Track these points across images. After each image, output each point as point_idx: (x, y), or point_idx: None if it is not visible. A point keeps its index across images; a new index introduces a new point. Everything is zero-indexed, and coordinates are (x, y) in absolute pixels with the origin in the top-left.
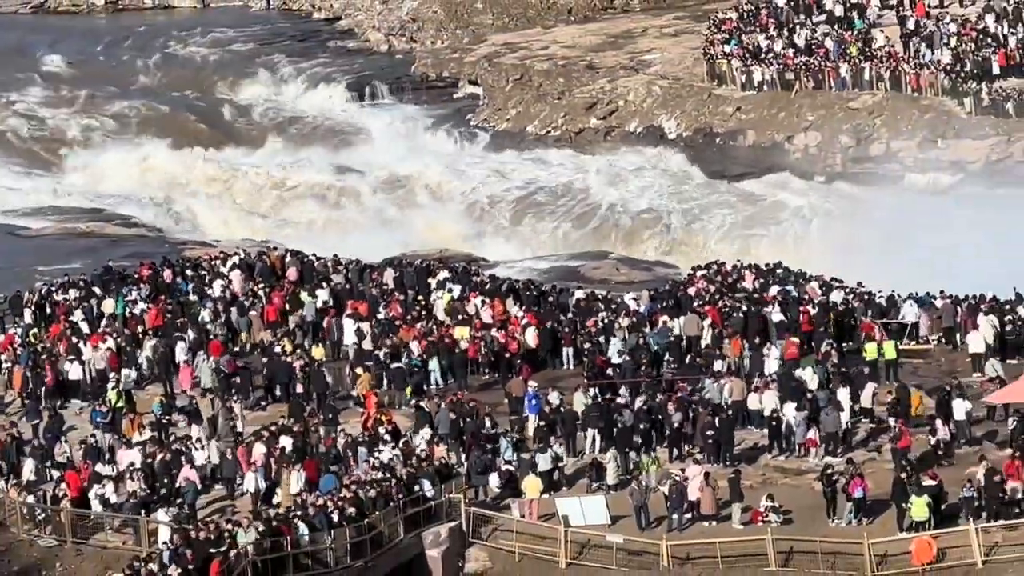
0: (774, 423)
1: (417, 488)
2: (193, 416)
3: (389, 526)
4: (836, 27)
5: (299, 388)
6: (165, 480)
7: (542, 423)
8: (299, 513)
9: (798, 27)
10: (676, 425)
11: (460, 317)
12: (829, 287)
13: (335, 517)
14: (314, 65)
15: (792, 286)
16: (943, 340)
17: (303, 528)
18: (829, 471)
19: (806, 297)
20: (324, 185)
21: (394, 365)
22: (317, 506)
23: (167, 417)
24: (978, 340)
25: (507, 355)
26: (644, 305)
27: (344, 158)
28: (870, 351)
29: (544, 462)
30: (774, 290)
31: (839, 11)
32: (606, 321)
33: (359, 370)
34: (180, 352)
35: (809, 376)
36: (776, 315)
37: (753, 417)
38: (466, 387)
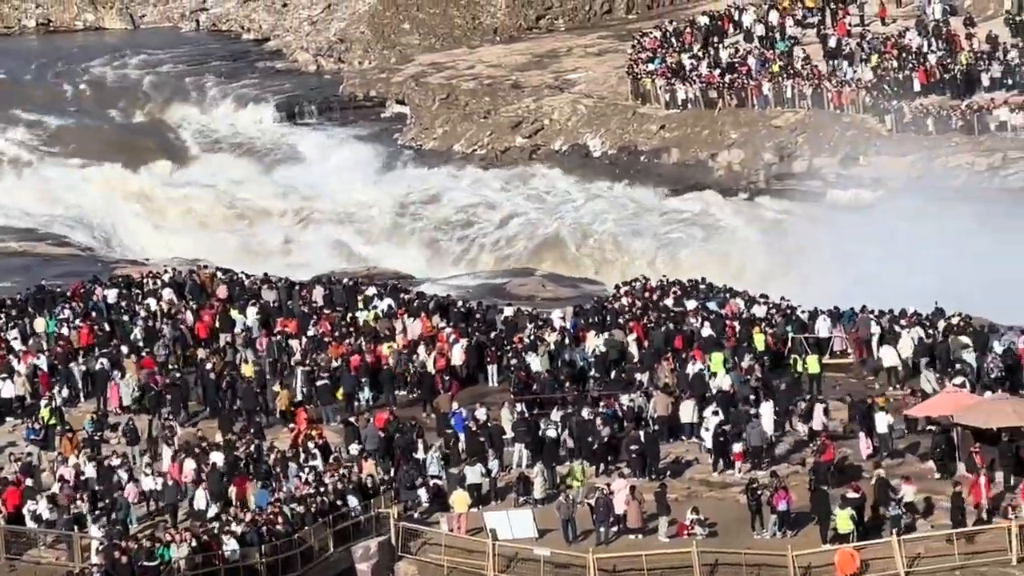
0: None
1: (342, 504)
2: (130, 435)
3: (319, 540)
4: (758, 45)
5: (232, 405)
6: (97, 497)
7: (481, 438)
8: (229, 528)
9: (721, 46)
10: (603, 439)
11: (386, 333)
12: (753, 302)
13: (265, 532)
14: (243, 86)
15: (714, 302)
16: (856, 354)
17: (232, 544)
18: (754, 484)
19: (729, 312)
20: (254, 204)
21: (320, 382)
22: (247, 521)
23: (99, 434)
24: (892, 354)
25: (434, 372)
26: (569, 321)
27: (274, 178)
28: (796, 365)
29: (473, 476)
30: (692, 305)
31: (760, 30)
32: (532, 337)
33: (276, 387)
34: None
35: (725, 382)
36: (705, 330)
37: (684, 429)
38: (393, 403)
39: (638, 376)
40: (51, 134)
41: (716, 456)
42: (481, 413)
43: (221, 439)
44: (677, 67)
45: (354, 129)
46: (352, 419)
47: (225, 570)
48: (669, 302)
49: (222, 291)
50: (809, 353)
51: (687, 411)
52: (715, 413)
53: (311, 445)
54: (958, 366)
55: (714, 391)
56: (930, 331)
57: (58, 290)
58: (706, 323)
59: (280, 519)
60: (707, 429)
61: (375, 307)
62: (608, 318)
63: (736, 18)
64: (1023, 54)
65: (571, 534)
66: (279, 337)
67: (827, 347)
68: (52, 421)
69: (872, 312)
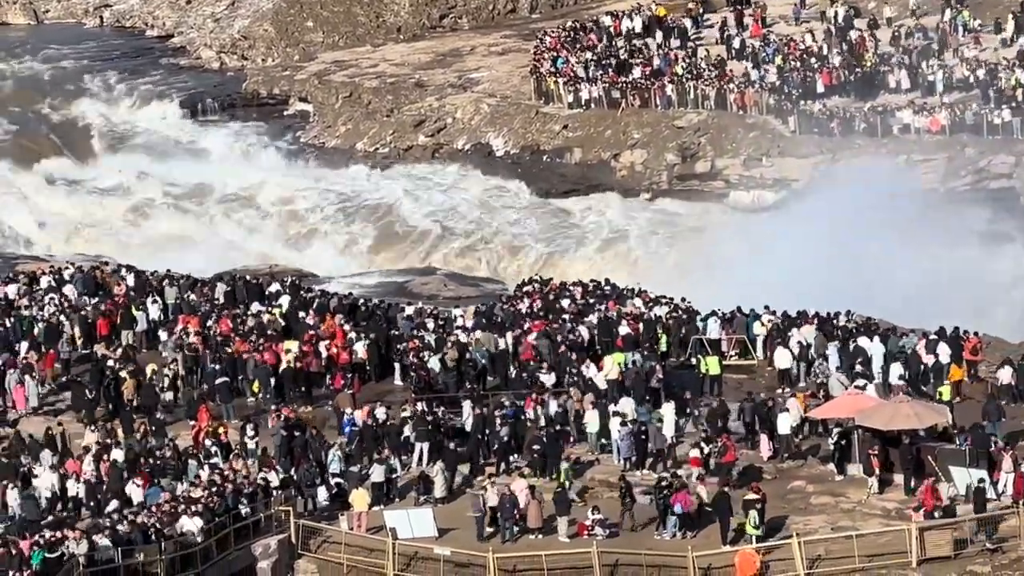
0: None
1: (244, 501)
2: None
3: (217, 540)
4: (662, 46)
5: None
6: None
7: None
8: (107, 527)
9: (624, 46)
10: (503, 439)
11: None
12: (656, 302)
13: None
14: (147, 82)
15: (609, 302)
16: (737, 354)
17: (105, 543)
18: (663, 483)
19: (628, 313)
20: (157, 200)
21: (220, 380)
22: (132, 522)
23: None
24: (785, 356)
25: (337, 369)
26: (470, 321)
27: (177, 174)
28: (711, 364)
29: (378, 474)
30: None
31: (660, 33)
32: (433, 336)
33: (124, 373)
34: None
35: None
36: (623, 328)
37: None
38: (295, 401)
39: (542, 377)
40: None
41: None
42: (381, 412)
43: (122, 436)
44: (581, 66)
45: (257, 126)
46: (251, 416)
47: (127, 567)
48: (566, 303)
49: (124, 287)
50: (709, 353)
51: (592, 419)
52: (623, 424)
53: (209, 443)
54: (859, 368)
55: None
56: (834, 332)
57: None
58: (623, 322)
59: (168, 518)
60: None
61: (279, 304)
62: (504, 318)
63: (639, 19)
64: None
65: (483, 531)
66: (181, 334)
67: (718, 348)
68: None
69: (761, 313)
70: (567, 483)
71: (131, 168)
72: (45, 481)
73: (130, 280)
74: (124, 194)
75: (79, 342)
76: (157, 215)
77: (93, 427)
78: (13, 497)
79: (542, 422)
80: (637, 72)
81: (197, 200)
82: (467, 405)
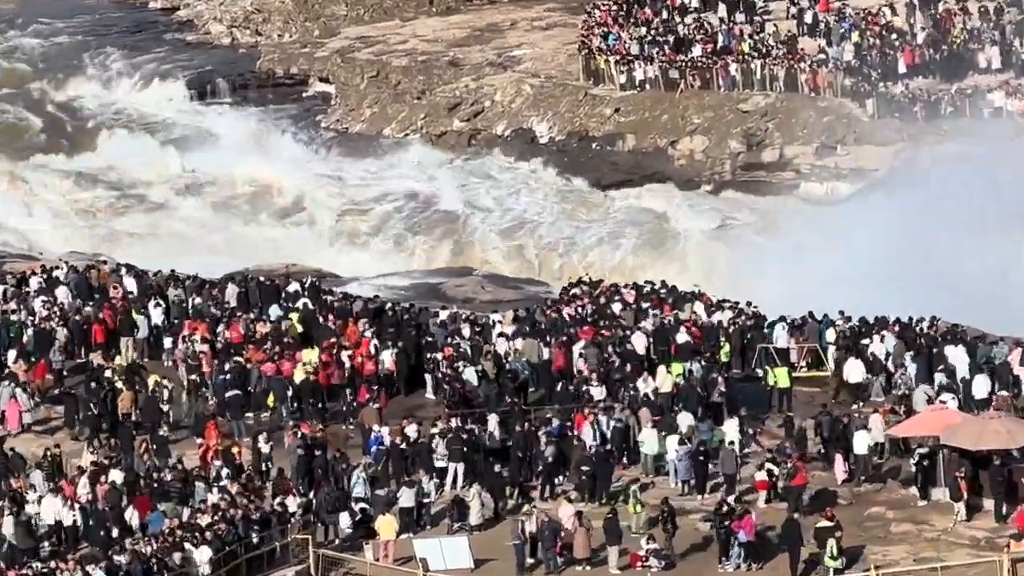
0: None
1: (257, 529)
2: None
3: (227, 572)
4: (725, 21)
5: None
6: None
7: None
8: (101, 560)
9: (683, 21)
10: (547, 459)
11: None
12: (718, 307)
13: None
14: (149, 60)
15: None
16: (808, 365)
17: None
18: (723, 509)
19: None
20: (159, 193)
21: (231, 393)
22: (132, 551)
23: None
24: (857, 367)
25: (361, 381)
26: (510, 327)
27: (181, 163)
28: (780, 376)
29: (407, 498)
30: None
31: (724, 7)
32: (469, 344)
33: (120, 384)
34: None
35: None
36: (681, 336)
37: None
38: (314, 417)
39: (592, 390)
40: None
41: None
42: (412, 429)
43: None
44: (635, 43)
45: (273, 109)
46: (266, 433)
47: None
48: (617, 307)
49: (123, 289)
50: (778, 364)
51: (649, 438)
52: (681, 442)
53: (218, 463)
54: (945, 380)
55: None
56: (916, 340)
57: None
58: (681, 328)
59: (172, 549)
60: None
61: (296, 309)
62: (547, 324)
63: None
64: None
65: (524, 561)
66: (188, 343)
67: (787, 358)
68: None
69: (835, 319)
70: (637, 509)
71: (131, 155)
72: (46, 507)
73: (129, 282)
74: (123, 184)
75: (62, 350)
76: (159, 208)
77: (92, 446)
78: (7, 524)
79: (592, 440)
80: (698, 50)
81: (205, 192)
82: (493, 419)
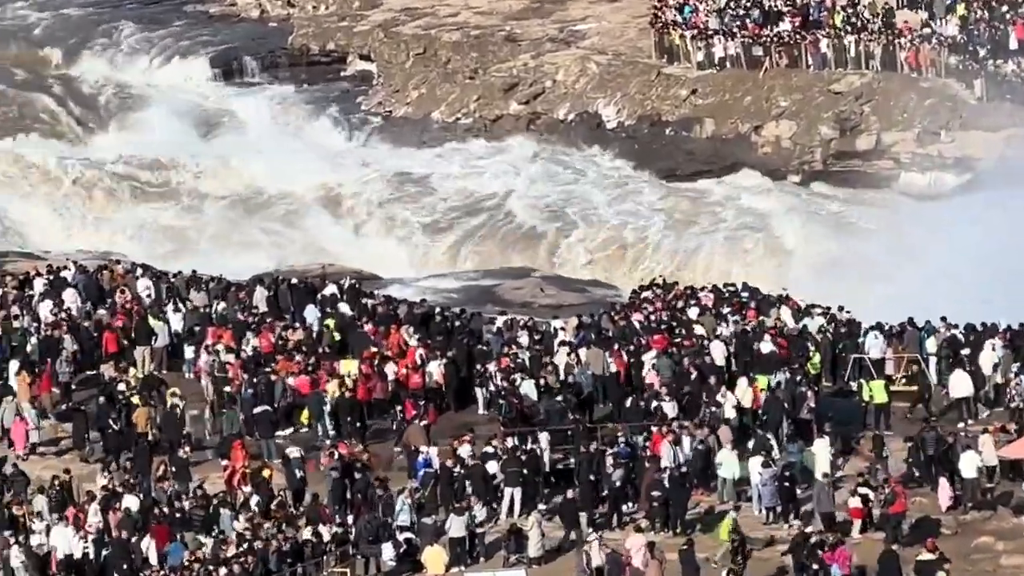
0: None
1: (288, 562)
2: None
3: None
4: None
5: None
6: None
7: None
8: None
9: None
10: (615, 483)
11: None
12: (807, 312)
13: None
14: (168, 35)
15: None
16: (907, 378)
17: None
18: (810, 540)
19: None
20: (179, 184)
21: (260, 409)
22: None
23: None
24: (963, 380)
25: (407, 395)
26: (573, 335)
27: (204, 151)
28: (876, 390)
29: (457, 527)
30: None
31: None
32: (528, 354)
33: (136, 399)
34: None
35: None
36: (766, 345)
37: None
38: (353, 436)
39: (663, 406)
40: None
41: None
42: (465, 450)
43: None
44: (714, 16)
45: (307, 91)
46: (299, 454)
47: None
48: (693, 313)
49: (139, 291)
50: (874, 377)
51: (728, 460)
52: (766, 464)
53: (247, 489)
54: None
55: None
56: None
57: None
58: (766, 336)
59: None
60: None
61: (333, 314)
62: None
63: None
64: None
65: None
66: (211, 353)
67: (881, 369)
68: None
69: (938, 327)
70: (732, 543)
71: (147, 143)
72: (55, 537)
73: (143, 284)
74: (137, 175)
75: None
76: (179, 202)
77: (109, 470)
78: (15, 554)
79: (666, 462)
80: (785, 24)
81: (230, 182)
82: (543, 438)
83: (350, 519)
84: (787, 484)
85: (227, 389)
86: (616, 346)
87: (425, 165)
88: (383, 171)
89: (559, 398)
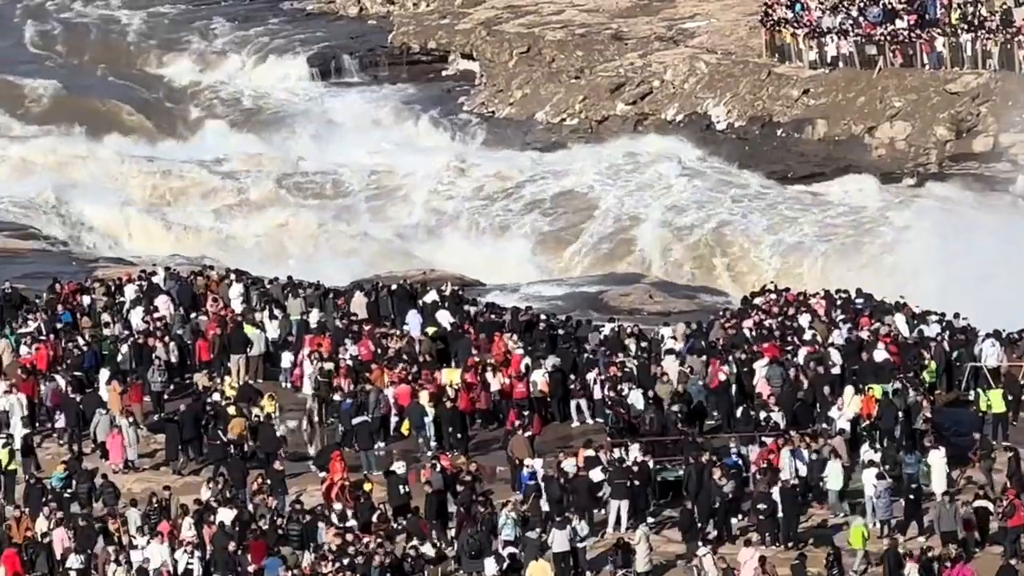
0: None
1: None
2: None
3: None
4: None
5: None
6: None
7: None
8: None
9: None
10: (726, 496)
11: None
12: (922, 319)
13: None
14: (263, 33)
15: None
16: None
17: None
18: (929, 554)
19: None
20: (274, 188)
21: (359, 419)
22: None
23: (69, 491)
24: None
25: (510, 405)
26: (681, 343)
27: (300, 152)
28: (994, 400)
29: (561, 542)
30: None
31: None
32: (635, 363)
33: (231, 409)
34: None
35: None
36: (880, 352)
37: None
38: (457, 447)
39: (773, 416)
40: (8, 96)
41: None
42: (569, 464)
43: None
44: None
45: (407, 91)
46: (400, 467)
47: None
48: (804, 320)
49: (233, 298)
50: (991, 386)
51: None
52: (881, 476)
53: (338, 507)
54: None
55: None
56: None
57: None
58: (880, 344)
59: None
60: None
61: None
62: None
63: None
64: None
65: None
66: (309, 361)
67: (998, 378)
68: (12, 467)
69: None
70: (862, 552)
71: (242, 145)
72: (152, 553)
73: (235, 292)
74: (232, 178)
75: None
76: (275, 206)
77: (212, 483)
78: (115, 571)
79: (789, 475)
80: (900, 22)
81: (327, 187)
82: (635, 449)
83: (452, 534)
84: (911, 497)
85: (336, 398)
86: (717, 355)
87: (529, 167)
88: (486, 173)
89: (675, 408)
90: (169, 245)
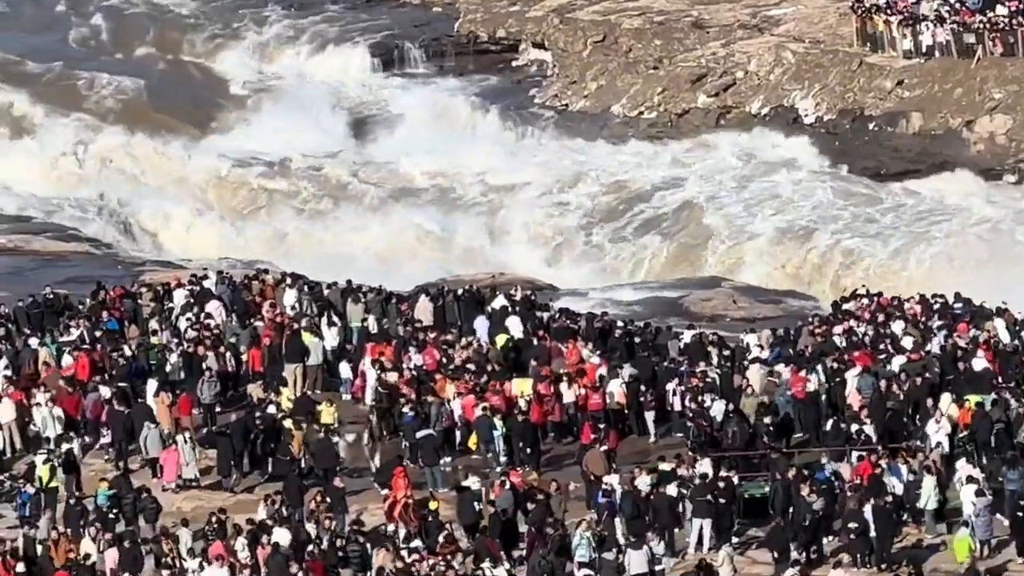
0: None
1: None
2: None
3: None
4: None
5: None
6: None
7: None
8: None
9: None
10: (816, 514)
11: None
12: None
13: None
14: (321, 21)
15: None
16: None
17: None
18: None
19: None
20: (334, 185)
21: (423, 432)
22: None
23: (115, 511)
24: None
25: (585, 417)
26: (768, 351)
27: (364, 149)
28: None
29: (639, 563)
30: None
31: None
32: (718, 372)
33: (323, 405)
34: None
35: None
36: (979, 361)
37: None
38: (528, 462)
39: (865, 429)
40: (47, 86)
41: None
42: (644, 481)
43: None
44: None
45: (475, 82)
46: (474, 483)
47: None
48: (898, 327)
49: (289, 302)
50: None
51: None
52: (980, 493)
53: (401, 529)
54: None
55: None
56: None
57: (61, 301)
58: (979, 351)
59: None
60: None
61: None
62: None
63: None
64: None
65: None
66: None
67: None
68: (53, 484)
69: None
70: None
71: (299, 140)
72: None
73: (290, 296)
74: (289, 176)
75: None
76: (335, 205)
77: (270, 501)
78: None
79: (880, 491)
80: (1001, 8)
81: (389, 184)
82: (706, 463)
83: (523, 554)
84: (1019, 515)
85: (405, 409)
86: (801, 365)
87: (605, 163)
88: (558, 170)
89: (767, 421)
90: (220, 247)
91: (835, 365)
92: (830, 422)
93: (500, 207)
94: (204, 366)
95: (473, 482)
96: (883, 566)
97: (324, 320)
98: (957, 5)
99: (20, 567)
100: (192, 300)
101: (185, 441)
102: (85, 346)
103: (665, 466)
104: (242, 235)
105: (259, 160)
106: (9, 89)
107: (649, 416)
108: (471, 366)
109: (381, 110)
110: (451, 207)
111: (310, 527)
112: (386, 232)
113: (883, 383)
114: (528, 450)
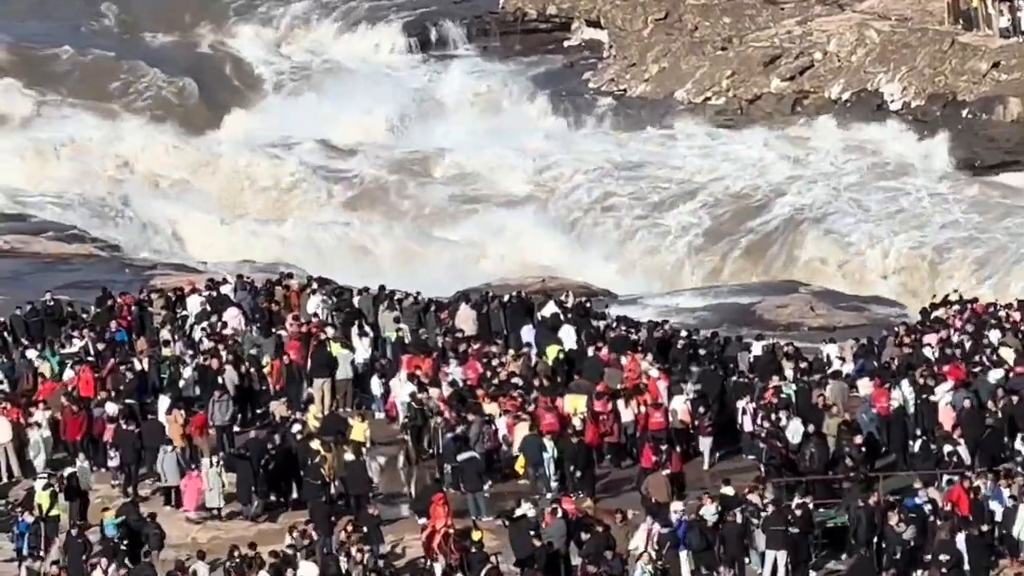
0: None
1: None
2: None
3: None
4: None
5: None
6: None
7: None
8: None
9: None
10: (907, 544)
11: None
12: None
13: None
14: None
15: None
16: None
17: None
18: None
19: None
20: (367, 180)
21: (464, 455)
22: None
23: (125, 543)
24: None
25: (645, 438)
26: (850, 364)
27: (399, 137)
28: None
29: None
30: None
31: None
32: (793, 388)
33: (354, 420)
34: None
35: None
36: None
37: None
38: (582, 488)
39: (959, 449)
40: (52, 73)
41: None
42: (709, 510)
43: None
44: None
45: (523, 65)
46: (529, 510)
47: None
48: (995, 336)
49: (314, 310)
50: None
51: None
52: None
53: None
54: None
55: None
56: None
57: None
58: None
59: None
60: None
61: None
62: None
63: None
64: None
65: None
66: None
67: None
68: (55, 511)
69: None
70: None
71: (326, 127)
72: None
73: (314, 302)
74: (314, 167)
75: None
76: (366, 201)
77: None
78: None
79: (974, 520)
80: None
81: (427, 178)
82: (769, 491)
83: None
84: None
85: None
86: (885, 379)
87: (666, 155)
88: (615, 163)
89: (858, 441)
90: (241, 248)
91: (924, 379)
92: (919, 442)
93: (549, 203)
94: (220, 380)
95: (527, 509)
96: None
97: (354, 330)
98: None
99: None
100: (208, 307)
101: (211, 465)
102: (89, 359)
103: (728, 490)
104: (261, 233)
105: (285, 147)
106: (12, 77)
107: (705, 442)
108: (518, 380)
109: (417, 94)
110: (495, 203)
111: (340, 560)
112: (422, 230)
113: (979, 399)
114: (581, 474)
